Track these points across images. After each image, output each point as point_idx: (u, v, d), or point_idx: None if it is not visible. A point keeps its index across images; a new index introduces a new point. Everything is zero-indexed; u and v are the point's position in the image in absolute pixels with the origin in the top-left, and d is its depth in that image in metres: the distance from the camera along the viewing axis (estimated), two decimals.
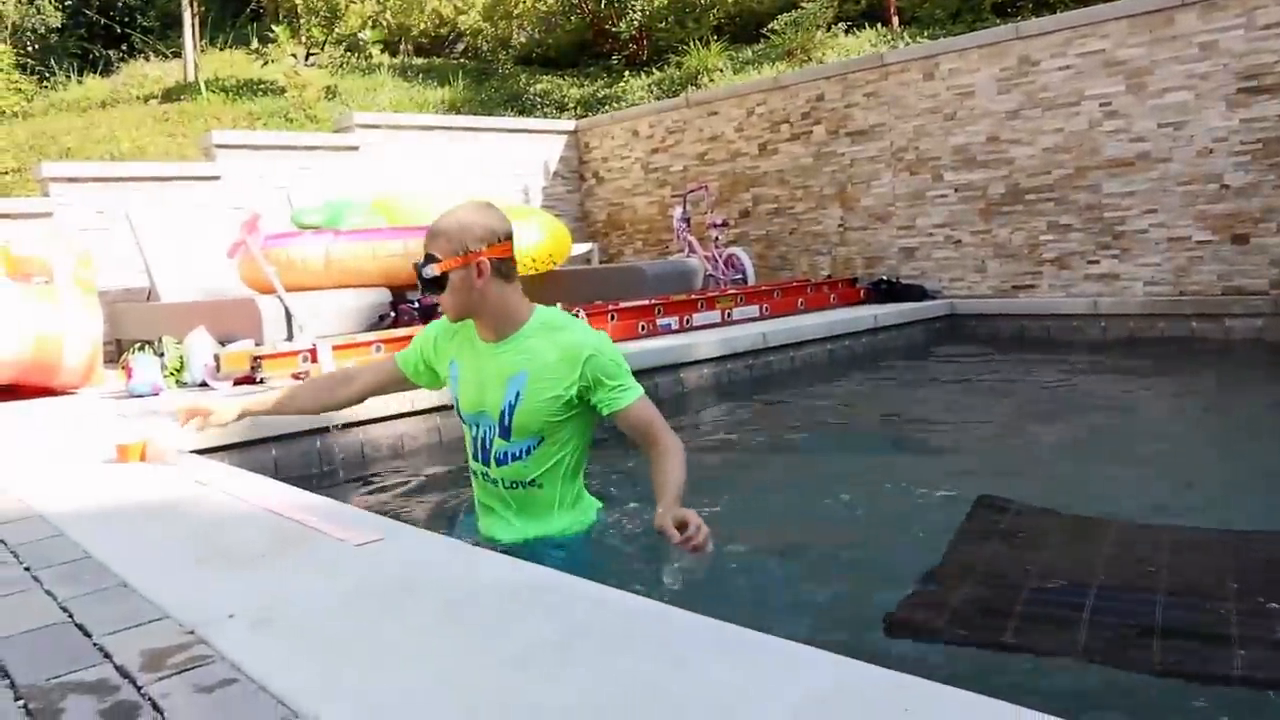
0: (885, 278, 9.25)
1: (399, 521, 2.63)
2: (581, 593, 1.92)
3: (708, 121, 11.20)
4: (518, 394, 2.74)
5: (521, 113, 14.61)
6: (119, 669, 1.66)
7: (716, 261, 9.39)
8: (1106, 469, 4.08)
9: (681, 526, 2.44)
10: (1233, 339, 7.44)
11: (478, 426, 2.85)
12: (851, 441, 4.88)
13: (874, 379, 6.85)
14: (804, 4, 16.00)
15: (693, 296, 7.74)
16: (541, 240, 9.30)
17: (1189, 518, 2.97)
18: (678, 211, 9.80)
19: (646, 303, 7.18)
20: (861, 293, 9.04)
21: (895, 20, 16.23)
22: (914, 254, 9.46)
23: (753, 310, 7.91)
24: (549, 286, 8.98)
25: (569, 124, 13.03)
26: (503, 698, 1.46)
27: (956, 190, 9.15)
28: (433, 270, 2.68)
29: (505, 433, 2.78)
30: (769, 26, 16.04)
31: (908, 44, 12.57)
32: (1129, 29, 8.22)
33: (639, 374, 5.83)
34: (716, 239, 9.57)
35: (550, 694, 1.46)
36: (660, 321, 7.15)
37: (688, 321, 7.35)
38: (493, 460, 2.84)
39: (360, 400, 3.23)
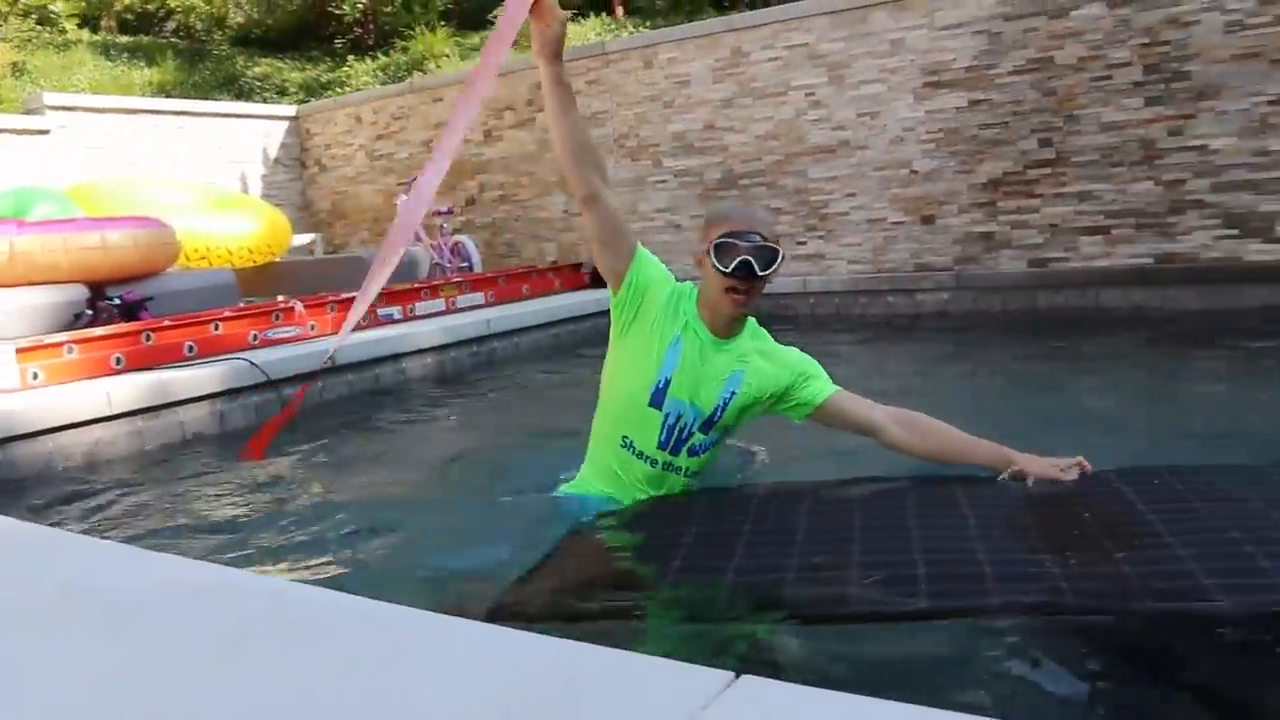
0: None
1: (63, 530, 2.47)
2: (255, 588, 1.88)
3: (433, 108, 11.07)
4: (733, 393, 2.74)
5: (239, 97, 13.95)
6: None
7: (443, 250, 9.30)
8: (806, 439, 4.33)
9: (1067, 469, 2.53)
10: (923, 311, 8.10)
11: (678, 416, 2.73)
12: (559, 425, 4.95)
13: (592, 362, 6.99)
14: None
15: (416, 286, 7.65)
16: (259, 230, 8.94)
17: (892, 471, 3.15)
18: (403, 199, 9.63)
19: None
20: (587, 278, 9.20)
21: (620, 10, 16.60)
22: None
23: (478, 298, 7.91)
24: (268, 279, 8.66)
25: (289, 109, 12.54)
26: (170, 703, 1.41)
27: (676, 176, 9.47)
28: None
29: (708, 426, 2.75)
30: (495, 12, 16.04)
31: (631, 33, 12.85)
32: (830, 24, 8.75)
33: (359, 365, 5.80)
34: (442, 227, 9.48)
35: (222, 695, 1.43)
36: (382, 311, 7.02)
37: (411, 311, 7.26)
38: (685, 451, 2.77)
39: (587, 195, 2.67)
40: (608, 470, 2.81)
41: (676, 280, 2.82)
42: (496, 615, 1.96)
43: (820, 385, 2.81)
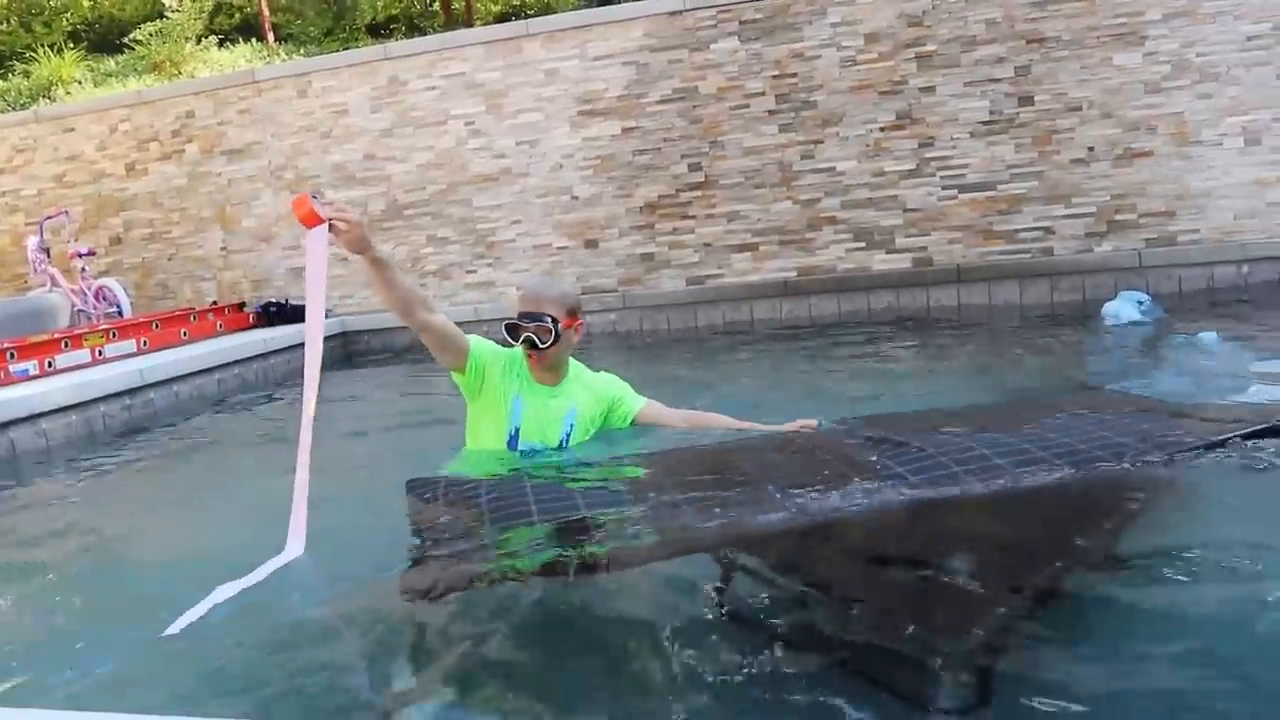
0: (274, 300, 9.10)
1: None
2: None
3: (64, 139, 10.17)
4: (571, 426, 3.33)
5: None
6: None
7: (85, 295, 8.57)
8: None
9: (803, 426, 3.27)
10: (593, 332, 8.35)
11: (533, 453, 3.26)
12: (235, 476, 4.73)
13: (265, 405, 6.70)
14: (170, 14, 15.23)
15: (55, 336, 7.00)
16: None
17: None
18: (34, 241, 8.77)
19: None
20: (251, 317, 8.79)
21: (271, 36, 16.02)
22: (302, 274, 9.35)
23: (129, 346, 7.34)
24: None
25: None
26: None
27: None
28: (560, 328, 3.20)
29: None
30: (132, 36, 15.02)
31: (284, 60, 12.45)
32: (485, 54, 8.87)
33: None
34: (84, 270, 8.73)
35: None
36: (15, 368, 6.36)
37: (50, 365, 6.63)
38: None
39: (418, 329, 3.12)
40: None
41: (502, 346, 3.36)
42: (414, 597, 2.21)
43: (630, 403, 3.49)
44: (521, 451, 3.26)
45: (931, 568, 2.22)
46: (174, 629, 2.17)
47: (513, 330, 3.23)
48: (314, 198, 2.75)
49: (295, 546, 2.54)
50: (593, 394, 3.43)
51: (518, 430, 3.27)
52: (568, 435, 3.33)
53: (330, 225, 2.79)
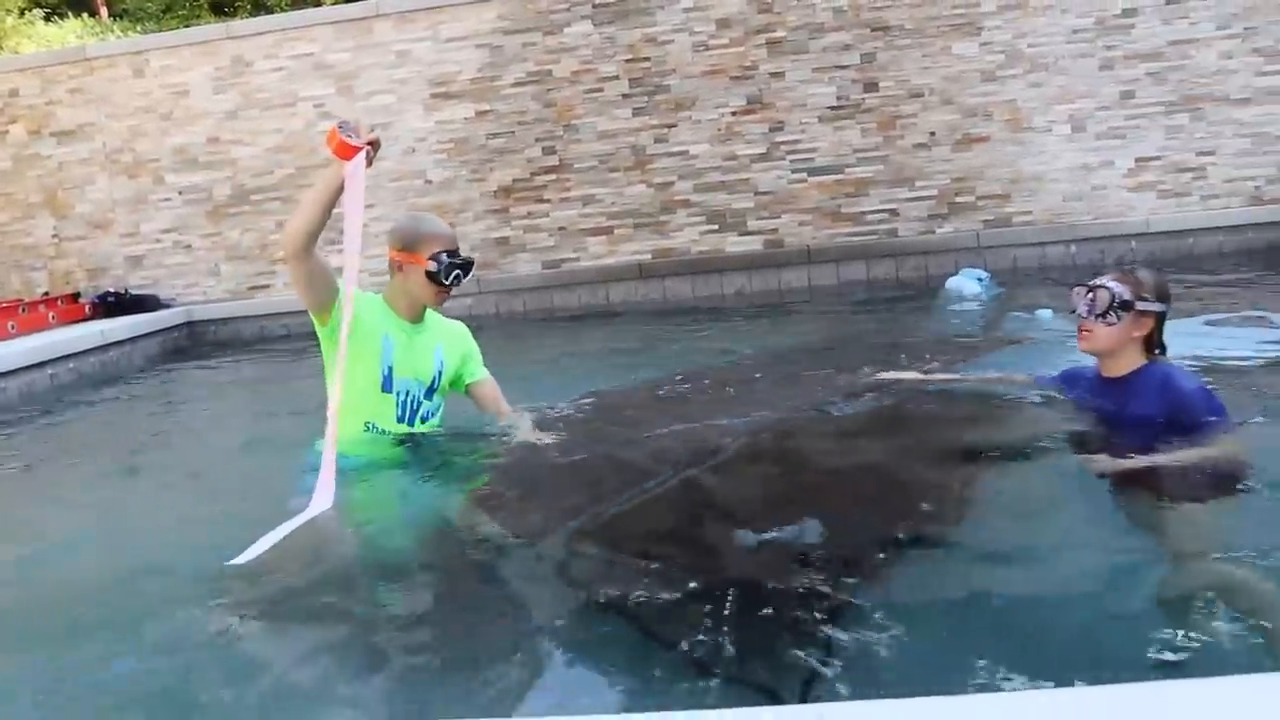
0: (113, 290, 8.70)
1: None
2: None
3: None
4: (442, 361, 3.26)
5: None
6: None
7: None
8: None
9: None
10: (448, 318, 8.26)
11: (406, 392, 3.19)
12: (69, 475, 4.52)
13: (103, 400, 6.42)
14: None
15: None
16: None
17: None
18: None
19: None
20: (88, 308, 8.39)
21: (104, 11, 15.31)
22: (142, 262, 9.01)
23: None
24: None
25: None
26: None
27: (181, 193, 8.90)
28: None
29: (430, 393, 3.24)
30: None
31: (118, 37, 11.90)
32: (335, 34, 8.66)
33: None
34: None
35: None
36: None
37: None
38: (419, 419, 3.23)
39: (304, 255, 2.98)
40: (357, 450, 3.18)
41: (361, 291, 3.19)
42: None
43: (477, 366, 3.40)
44: (397, 394, 3.16)
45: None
46: (241, 559, 2.27)
47: (446, 268, 3.09)
48: (341, 128, 2.74)
49: (324, 499, 2.49)
50: (452, 337, 3.36)
51: (390, 369, 3.15)
52: (440, 370, 3.26)
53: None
